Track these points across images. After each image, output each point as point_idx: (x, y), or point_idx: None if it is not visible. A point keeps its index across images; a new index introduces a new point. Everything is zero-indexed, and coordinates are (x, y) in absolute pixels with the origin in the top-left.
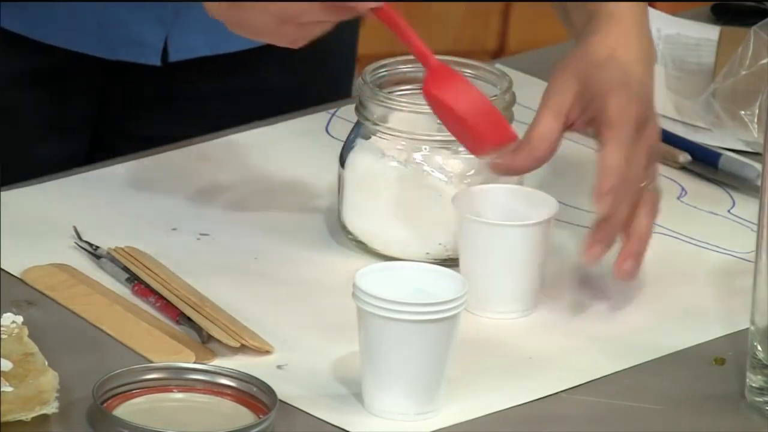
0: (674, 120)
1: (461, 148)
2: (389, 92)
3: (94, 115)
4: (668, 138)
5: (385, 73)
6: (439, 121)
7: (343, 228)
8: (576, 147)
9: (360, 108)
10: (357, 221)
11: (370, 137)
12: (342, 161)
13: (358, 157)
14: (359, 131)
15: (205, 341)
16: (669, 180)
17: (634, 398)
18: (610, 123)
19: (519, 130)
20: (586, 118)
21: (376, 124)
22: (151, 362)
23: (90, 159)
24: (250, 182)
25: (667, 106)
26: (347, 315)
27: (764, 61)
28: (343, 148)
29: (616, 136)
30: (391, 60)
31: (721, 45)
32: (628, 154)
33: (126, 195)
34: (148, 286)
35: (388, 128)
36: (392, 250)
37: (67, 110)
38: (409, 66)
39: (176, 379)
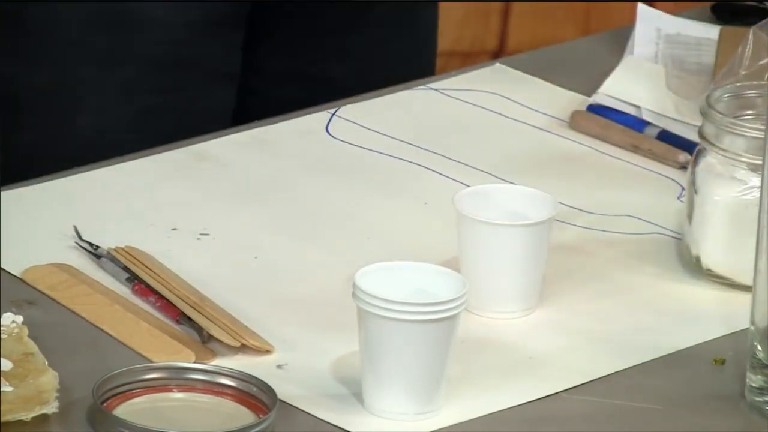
0: (674, 120)
1: None
2: (739, 118)
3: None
4: (668, 138)
5: (729, 96)
6: None
7: (696, 262)
8: (576, 147)
9: (716, 138)
10: (723, 258)
11: (727, 167)
12: (695, 189)
13: (719, 190)
14: (711, 160)
15: (205, 341)
16: (669, 180)
17: (634, 398)
18: None
19: (520, 132)
20: None
21: (738, 155)
22: (151, 362)
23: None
24: (250, 182)
25: (667, 106)
26: (347, 315)
27: (764, 61)
28: (692, 174)
29: None
30: (736, 84)
31: (721, 45)
32: None
33: (126, 195)
34: (148, 285)
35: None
36: None
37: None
38: (754, 91)
39: (176, 379)
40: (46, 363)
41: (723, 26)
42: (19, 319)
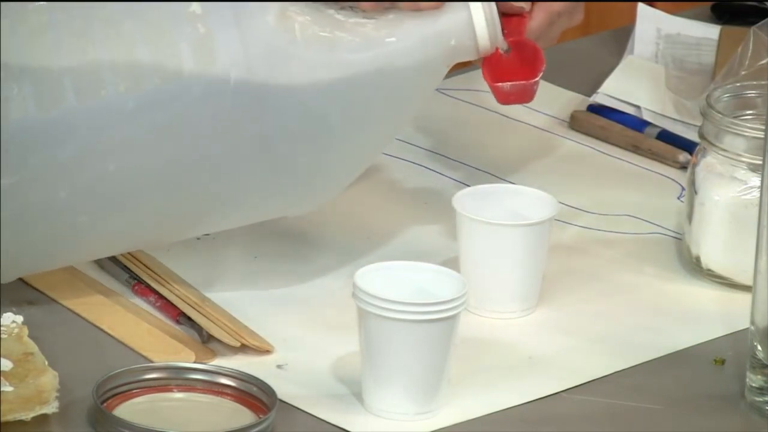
0: (674, 120)
1: None
2: (739, 118)
3: None
4: (668, 138)
5: (729, 96)
6: None
7: (696, 262)
8: (576, 147)
9: (716, 137)
10: (723, 258)
11: (727, 167)
12: (695, 189)
13: (719, 190)
14: (711, 160)
15: (205, 341)
16: (669, 180)
17: (634, 398)
18: None
19: (520, 132)
20: None
21: (738, 155)
22: (151, 362)
23: None
24: None
25: (667, 106)
26: (347, 315)
27: (764, 61)
28: (692, 174)
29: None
30: (736, 84)
31: (721, 45)
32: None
33: None
34: (148, 285)
35: (750, 157)
36: None
37: None
38: (754, 91)
39: (176, 379)
40: (46, 363)
41: (723, 26)
42: (19, 319)
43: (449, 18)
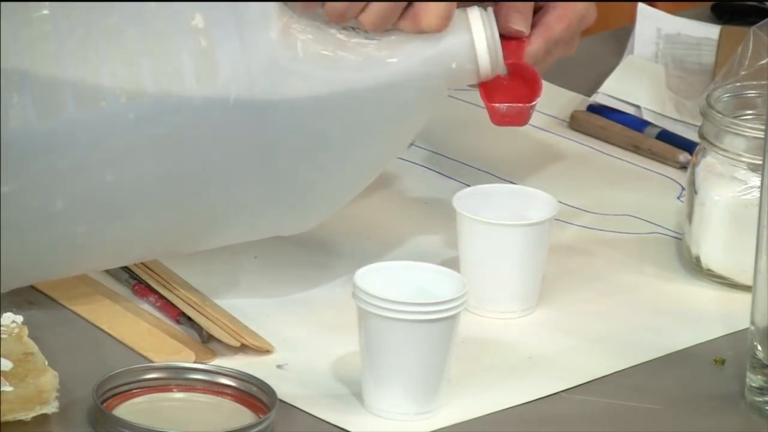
0: (674, 120)
1: None
2: (739, 118)
3: None
4: (668, 138)
5: (729, 96)
6: None
7: (696, 262)
8: (576, 147)
9: (716, 137)
10: (723, 258)
11: (727, 167)
12: (695, 189)
13: (719, 190)
14: (711, 160)
15: (205, 341)
16: (669, 180)
17: (634, 398)
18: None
19: (520, 132)
20: None
21: (738, 155)
22: (151, 362)
23: None
24: None
25: (667, 106)
26: (347, 315)
27: (764, 61)
28: (692, 174)
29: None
30: (736, 84)
31: (721, 45)
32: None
33: None
34: (148, 285)
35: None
36: None
37: None
38: (754, 91)
39: (176, 379)
40: (46, 363)
41: (723, 26)
42: (19, 319)
43: (451, 41)
